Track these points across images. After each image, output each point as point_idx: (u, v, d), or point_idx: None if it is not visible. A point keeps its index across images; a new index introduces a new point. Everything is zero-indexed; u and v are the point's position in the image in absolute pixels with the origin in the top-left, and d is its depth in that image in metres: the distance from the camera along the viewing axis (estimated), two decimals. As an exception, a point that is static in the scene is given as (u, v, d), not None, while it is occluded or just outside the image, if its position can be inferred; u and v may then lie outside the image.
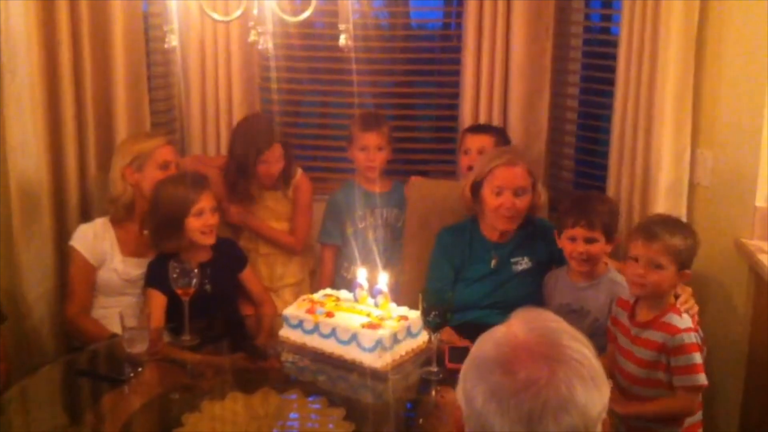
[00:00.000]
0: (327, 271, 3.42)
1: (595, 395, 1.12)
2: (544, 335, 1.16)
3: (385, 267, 2.85)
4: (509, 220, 2.86)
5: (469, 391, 1.15)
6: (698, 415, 2.44)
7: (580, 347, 1.15)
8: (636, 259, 2.36)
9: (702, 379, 2.30)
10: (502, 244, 2.95)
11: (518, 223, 2.89)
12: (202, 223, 2.79)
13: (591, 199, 2.74)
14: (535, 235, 2.96)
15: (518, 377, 1.10)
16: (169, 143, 3.03)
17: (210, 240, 2.83)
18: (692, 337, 2.31)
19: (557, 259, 2.85)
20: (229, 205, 3.21)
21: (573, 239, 2.68)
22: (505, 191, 2.82)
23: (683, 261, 2.35)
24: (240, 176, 3.19)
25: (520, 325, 1.18)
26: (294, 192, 3.33)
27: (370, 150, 3.27)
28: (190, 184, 2.83)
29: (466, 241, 2.97)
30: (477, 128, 3.34)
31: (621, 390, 2.39)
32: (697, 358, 2.30)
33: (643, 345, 2.36)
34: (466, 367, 1.19)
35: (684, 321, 2.33)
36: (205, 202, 2.80)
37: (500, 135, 3.28)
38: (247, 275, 3.04)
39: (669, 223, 2.42)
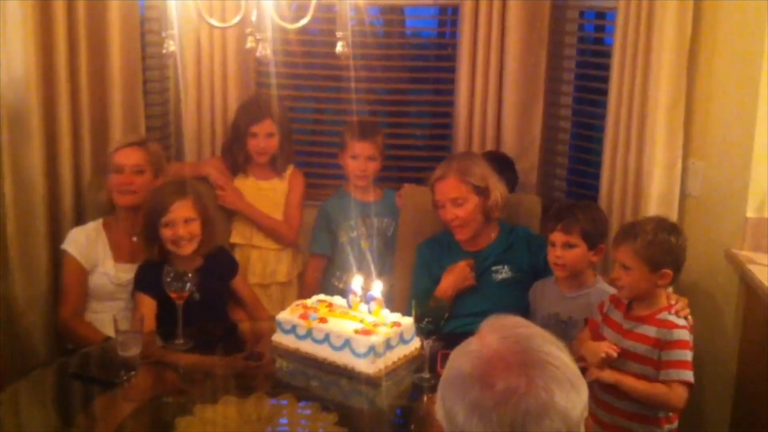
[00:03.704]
0: (310, 279, 3.42)
1: (574, 397, 1.12)
2: (518, 342, 1.16)
3: (378, 276, 2.86)
4: (460, 229, 2.94)
5: (449, 409, 1.15)
6: (675, 424, 2.45)
7: (554, 350, 1.16)
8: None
9: (692, 376, 2.32)
10: (479, 253, 2.97)
11: (473, 228, 2.94)
12: (172, 233, 2.76)
13: (573, 206, 2.77)
14: (516, 244, 2.98)
15: (497, 390, 1.10)
16: (129, 145, 2.97)
17: (183, 251, 2.78)
18: (687, 335, 2.34)
19: (542, 269, 2.86)
20: (223, 188, 3.25)
21: (553, 244, 2.72)
22: (445, 204, 2.91)
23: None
24: (234, 143, 3.31)
25: (491, 336, 1.18)
26: (288, 184, 3.38)
27: (360, 159, 3.28)
28: (167, 193, 2.82)
29: (443, 251, 3.01)
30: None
31: (605, 386, 2.40)
32: (690, 355, 2.33)
33: (636, 339, 2.38)
34: (443, 385, 1.18)
35: (680, 320, 2.36)
36: (176, 212, 2.76)
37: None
38: (238, 282, 3.04)
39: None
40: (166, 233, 2.77)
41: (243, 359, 2.59)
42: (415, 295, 2.89)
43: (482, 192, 2.91)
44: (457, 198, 2.89)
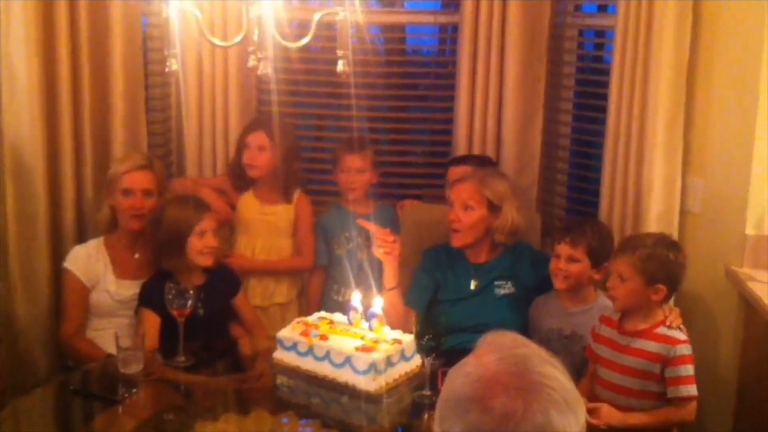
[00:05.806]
0: (314, 291, 3.43)
1: (571, 419, 1.13)
2: (515, 364, 1.16)
3: (377, 290, 2.87)
4: (456, 234, 2.94)
5: (446, 431, 1.15)
6: None
7: (551, 371, 1.16)
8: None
9: (696, 390, 2.34)
10: (483, 267, 2.98)
11: (469, 238, 2.94)
12: (203, 243, 2.81)
13: (583, 222, 2.83)
14: (520, 261, 2.99)
15: (495, 414, 1.11)
16: (139, 168, 2.94)
17: (208, 261, 2.84)
18: (690, 350, 2.36)
19: (544, 286, 2.86)
20: (229, 253, 3.25)
21: (557, 256, 2.73)
22: (454, 204, 2.93)
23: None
24: (238, 159, 3.30)
25: (489, 356, 1.18)
26: (295, 211, 3.36)
27: (351, 172, 3.31)
28: (195, 204, 2.86)
29: (448, 260, 3.03)
30: (458, 160, 3.35)
31: (604, 401, 2.40)
32: (692, 369, 2.35)
33: (634, 354, 2.39)
34: (441, 405, 1.18)
35: (680, 334, 2.38)
36: (207, 223, 2.83)
37: (482, 163, 3.27)
38: (239, 300, 3.04)
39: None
40: (197, 243, 2.80)
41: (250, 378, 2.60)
42: (412, 291, 2.95)
43: (493, 209, 2.93)
44: (466, 202, 2.91)
